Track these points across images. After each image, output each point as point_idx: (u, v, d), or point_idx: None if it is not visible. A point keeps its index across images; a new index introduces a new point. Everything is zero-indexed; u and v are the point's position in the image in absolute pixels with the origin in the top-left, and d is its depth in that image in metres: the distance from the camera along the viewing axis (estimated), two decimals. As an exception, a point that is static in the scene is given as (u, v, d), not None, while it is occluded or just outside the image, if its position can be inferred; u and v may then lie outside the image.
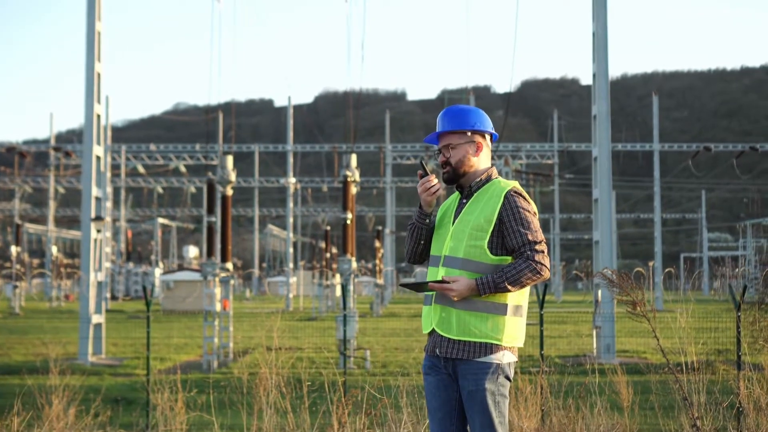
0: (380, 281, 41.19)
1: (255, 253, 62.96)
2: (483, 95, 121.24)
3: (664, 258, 51.53)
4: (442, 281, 4.71)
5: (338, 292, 38.82)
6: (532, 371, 7.94)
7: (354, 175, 20.23)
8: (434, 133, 5.06)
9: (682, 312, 7.66)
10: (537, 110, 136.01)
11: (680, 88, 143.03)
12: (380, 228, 47.01)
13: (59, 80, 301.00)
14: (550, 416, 7.27)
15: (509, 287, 4.66)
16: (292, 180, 48.42)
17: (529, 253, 4.70)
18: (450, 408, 4.89)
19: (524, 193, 4.88)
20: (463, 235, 4.83)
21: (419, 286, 4.78)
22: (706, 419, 6.79)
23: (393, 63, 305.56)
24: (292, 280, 50.76)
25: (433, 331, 4.89)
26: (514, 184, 4.91)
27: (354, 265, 19.86)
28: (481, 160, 4.99)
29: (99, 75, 20.43)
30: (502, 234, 4.80)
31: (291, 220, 49.60)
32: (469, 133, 4.97)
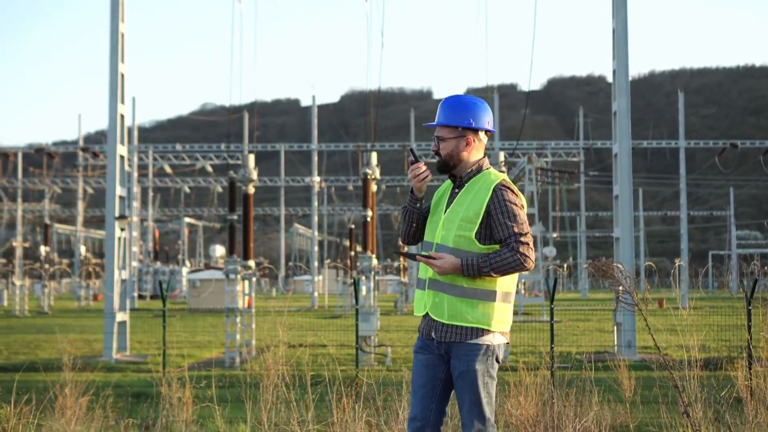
0: (405, 279, 41.29)
1: (281, 252, 63.19)
2: (509, 93, 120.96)
3: (693, 256, 51.22)
4: (428, 256, 4.94)
5: (364, 290, 38.94)
6: (540, 366, 8.01)
7: (374, 173, 20.36)
8: (434, 123, 5.21)
9: (687, 308, 7.71)
10: (563, 108, 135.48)
11: (708, 85, 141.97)
12: (405, 226, 46.94)
13: (87, 82, 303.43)
14: (550, 405, 7.36)
15: (492, 273, 4.87)
16: (317, 179, 48.61)
17: (514, 244, 4.90)
18: (433, 387, 5.10)
19: (512, 186, 5.07)
20: (452, 225, 5.03)
21: (411, 257, 5.09)
22: (700, 407, 6.83)
23: (419, 62, 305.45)
24: (318, 278, 50.94)
25: (427, 315, 5.10)
26: (503, 177, 5.10)
27: (375, 262, 19.98)
28: (471, 154, 5.15)
29: (123, 76, 20.68)
30: (489, 225, 4.99)
31: (316, 218, 49.80)
32: (460, 129, 5.11)
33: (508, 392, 7.44)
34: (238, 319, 19.41)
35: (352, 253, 41.11)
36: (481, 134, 5.17)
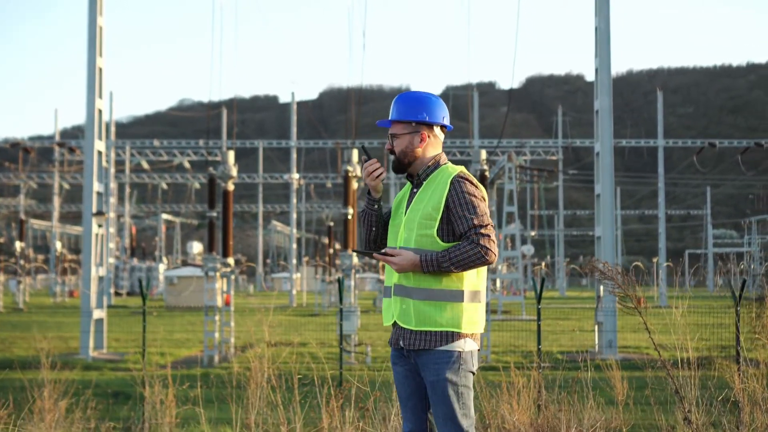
0: (383, 277, 41.14)
1: (259, 249, 62.94)
2: (488, 91, 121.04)
3: (669, 254, 51.41)
4: (385, 252, 4.71)
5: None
6: (530, 366, 7.88)
7: (355, 170, 20.21)
8: (386, 120, 5.02)
9: (678, 308, 7.61)
10: (542, 106, 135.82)
11: (686, 84, 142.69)
12: (384, 224, 46.89)
13: (64, 77, 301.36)
14: (543, 410, 7.23)
15: (452, 268, 4.64)
16: (296, 176, 48.40)
17: (474, 236, 4.66)
18: (420, 396, 4.90)
19: (471, 178, 4.84)
20: (413, 225, 4.81)
21: (365, 254, 4.80)
22: (699, 413, 6.74)
23: (398, 59, 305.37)
24: (296, 276, 50.76)
25: (395, 323, 4.88)
26: (461, 169, 4.87)
27: (355, 260, 19.84)
28: (427, 150, 4.94)
29: (101, 70, 20.42)
30: (450, 221, 4.77)
31: (294, 216, 49.59)
32: (413, 124, 4.92)
33: (499, 395, 7.30)
34: (217, 317, 19.23)
35: (331, 250, 40.95)
36: (437, 129, 4.97)
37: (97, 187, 20.28)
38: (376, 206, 5.01)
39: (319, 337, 20.01)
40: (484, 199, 4.82)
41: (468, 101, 44.17)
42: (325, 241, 52.83)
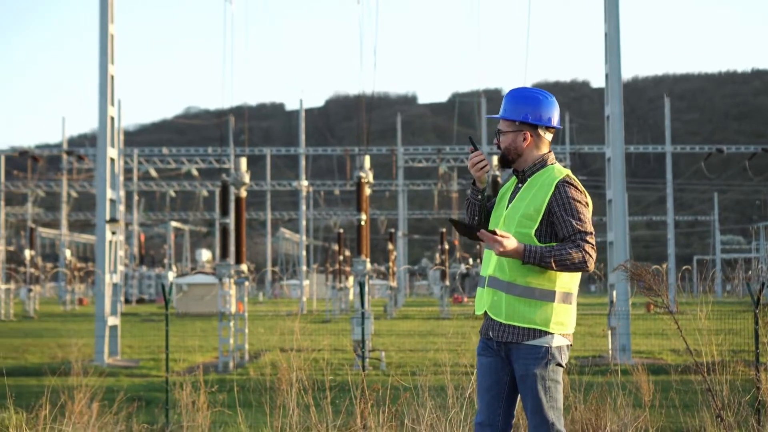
0: (393, 283, 41.21)
1: (267, 257, 63.01)
2: (494, 98, 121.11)
3: (677, 260, 51.44)
4: (493, 232, 4.70)
5: (351, 294, 38.92)
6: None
7: (367, 176, 20.26)
8: (495, 115, 5.11)
9: (702, 311, 7.66)
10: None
11: (691, 90, 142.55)
12: (393, 230, 47.11)
13: (71, 85, 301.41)
14: (572, 412, 7.28)
15: (553, 264, 4.69)
16: (305, 183, 48.46)
17: (580, 242, 4.73)
18: (499, 390, 4.98)
19: (576, 183, 4.90)
20: (512, 222, 4.90)
21: (469, 229, 4.79)
22: (729, 412, 6.80)
23: (404, 66, 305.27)
24: (306, 282, 50.82)
25: (486, 313, 4.98)
26: (567, 173, 4.92)
27: (368, 266, 19.88)
28: (532, 149, 5.00)
29: (112, 77, 20.53)
30: (551, 223, 4.85)
31: (304, 223, 49.65)
32: (517, 123, 4.99)
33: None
34: (231, 324, 19.28)
35: (341, 257, 40.99)
36: (541, 130, 5.00)
37: (110, 194, 20.37)
38: (480, 196, 5.11)
39: (331, 344, 20.04)
40: (588, 205, 4.90)
41: (476, 107, 44.24)
42: (335, 247, 52.87)
